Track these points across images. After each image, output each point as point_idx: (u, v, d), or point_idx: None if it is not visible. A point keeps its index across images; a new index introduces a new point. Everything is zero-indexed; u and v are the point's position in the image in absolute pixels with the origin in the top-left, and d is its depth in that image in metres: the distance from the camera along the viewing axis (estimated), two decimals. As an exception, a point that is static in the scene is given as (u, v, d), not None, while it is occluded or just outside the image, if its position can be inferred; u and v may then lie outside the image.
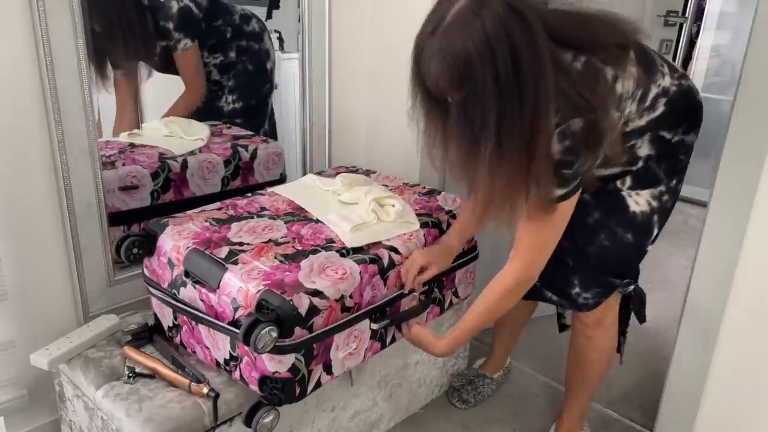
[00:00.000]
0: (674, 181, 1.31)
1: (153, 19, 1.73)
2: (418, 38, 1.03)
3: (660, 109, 1.22)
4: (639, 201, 1.30)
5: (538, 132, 0.99)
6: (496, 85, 0.95)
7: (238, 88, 1.99)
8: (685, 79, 1.27)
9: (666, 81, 1.22)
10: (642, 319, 1.44)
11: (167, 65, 1.83)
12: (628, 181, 1.29)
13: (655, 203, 1.30)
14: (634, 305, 1.42)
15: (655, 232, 1.34)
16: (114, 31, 1.65)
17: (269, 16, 2.08)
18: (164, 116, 1.83)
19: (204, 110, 2.00)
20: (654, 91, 1.20)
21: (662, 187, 1.30)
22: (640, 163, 1.27)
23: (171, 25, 1.74)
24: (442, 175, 1.33)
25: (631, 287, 1.37)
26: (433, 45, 0.98)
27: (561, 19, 1.07)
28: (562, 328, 1.66)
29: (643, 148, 1.26)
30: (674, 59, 3.32)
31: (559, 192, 1.11)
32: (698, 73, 3.41)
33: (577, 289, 1.38)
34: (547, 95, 0.98)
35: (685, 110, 1.28)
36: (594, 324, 1.43)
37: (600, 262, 1.35)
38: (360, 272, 1.25)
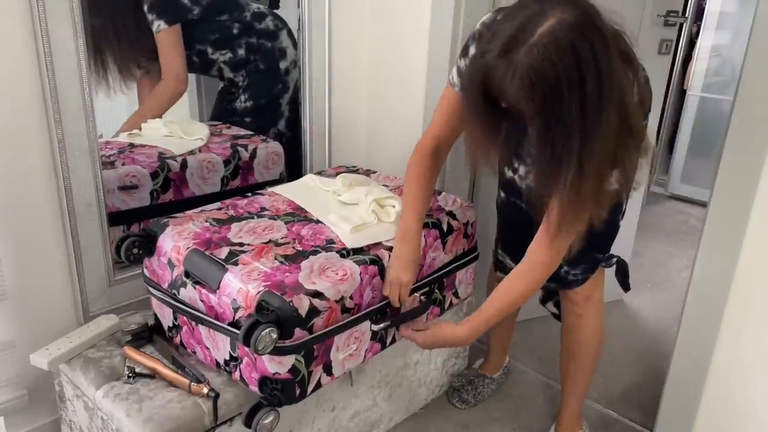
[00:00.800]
0: (635, 159, 1.36)
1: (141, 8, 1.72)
2: (486, 54, 1.00)
3: (635, 97, 1.24)
4: (610, 181, 1.34)
5: (610, 146, 1.01)
6: (581, 111, 0.95)
7: (250, 87, 1.98)
8: (644, 69, 1.31)
9: (639, 71, 1.25)
10: (626, 287, 1.52)
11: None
12: None
13: (622, 180, 1.34)
14: (618, 275, 1.50)
15: (624, 206, 1.42)
16: (110, 28, 1.64)
17: (269, 15, 2.07)
18: (140, 107, 1.81)
19: (222, 110, 2.00)
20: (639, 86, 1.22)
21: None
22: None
23: (146, 6, 1.72)
24: (493, 171, 1.36)
25: (614, 260, 1.46)
26: (515, 62, 0.95)
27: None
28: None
29: None
30: (674, 59, 3.32)
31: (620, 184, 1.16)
32: (698, 73, 3.40)
33: (565, 268, 1.43)
34: (615, 112, 0.99)
35: (648, 97, 1.32)
36: (583, 300, 1.49)
37: (584, 241, 1.38)
38: (360, 273, 1.25)
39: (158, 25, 1.73)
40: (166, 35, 1.75)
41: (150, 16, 1.72)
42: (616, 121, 1.00)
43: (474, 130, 1.17)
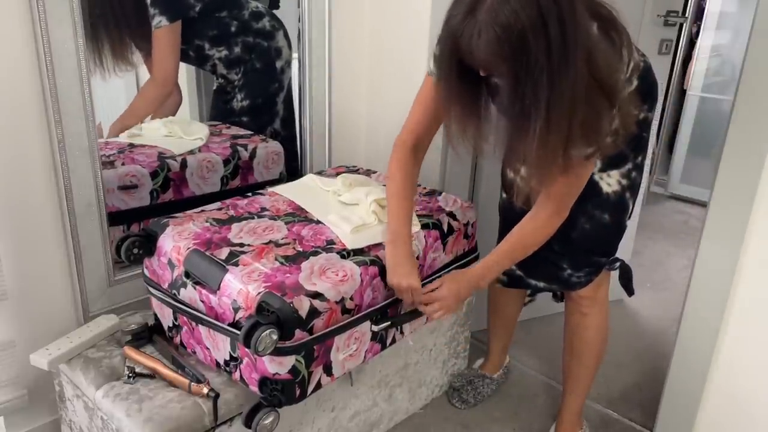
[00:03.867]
0: (639, 158, 1.37)
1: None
2: (451, 20, 1.02)
3: (634, 83, 1.24)
4: (610, 182, 1.36)
5: (579, 99, 1.01)
6: (548, 57, 0.96)
7: (246, 86, 1.98)
8: (646, 57, 1.31)
9: (636, 56, 1.25)
10: (630, 292, 1.51)
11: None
12: (598, 162, 1.33)
13: (624, 181, 1.36)
14: (621, 280, 1.50)
15: (630, 207, 1.40)
16: (109, 13, 1.64)
17: (269, 15, 2.07)
18: (127, 109, 1.78)
19: (220, 110, 2.00)
20: (632, 63, 1.22)
21: (629, 165, 1.35)
22: (609, 138, 1.26)
23: (149, 0, 1.70)
24: (475, 153, 1.35)
25: (617, 264, 1.46)
26: (479, 21, 0.97)
27: None
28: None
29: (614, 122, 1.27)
30: (674, 59, 3.31)
31: (590, 150, 1.15)
32: (698, 73, 3.39)
33: (569, 271, 1.44)
34: (582, 64, 0.99)
35: (650, 87, 1.31)
36: (588, 299, 1.50)
37: (584, 245, 1.41)
38: (360, 274, 1.25)
39: (159, 21, 1.72)
40: (164, 33, 1.74)
41: (152, 11, 1.71)
42: (584, 74, 1.00)
43: (454, 109, 1.16)
